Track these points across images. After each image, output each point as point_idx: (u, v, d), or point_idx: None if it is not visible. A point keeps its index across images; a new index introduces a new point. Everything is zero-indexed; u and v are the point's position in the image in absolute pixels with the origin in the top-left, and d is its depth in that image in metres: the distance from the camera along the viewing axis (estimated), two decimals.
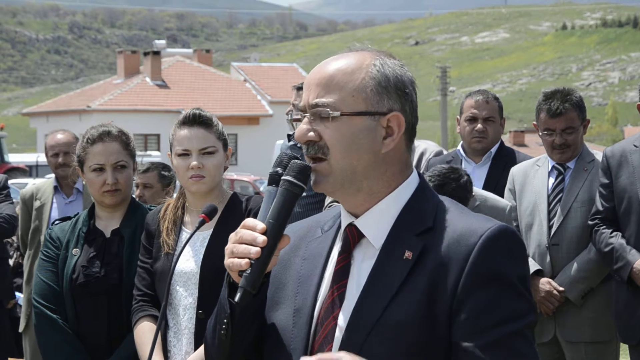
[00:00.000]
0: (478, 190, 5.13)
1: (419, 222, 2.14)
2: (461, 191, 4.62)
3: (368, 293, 2.12)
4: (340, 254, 2.20)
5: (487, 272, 2.06)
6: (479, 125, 5.68)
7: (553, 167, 5.33)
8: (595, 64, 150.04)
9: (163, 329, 3.86)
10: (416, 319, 2.06)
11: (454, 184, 4.63)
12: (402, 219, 2.16)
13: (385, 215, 2.17)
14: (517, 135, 65.30)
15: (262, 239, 2.09)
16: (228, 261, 2.10)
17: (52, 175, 6.85)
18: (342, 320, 2.13)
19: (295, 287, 2.23)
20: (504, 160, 5.72)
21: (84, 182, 6.65)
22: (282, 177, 2.15)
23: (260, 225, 2.11)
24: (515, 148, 6.14)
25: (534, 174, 5.37)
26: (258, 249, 2.08)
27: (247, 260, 2.08)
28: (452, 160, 5.80)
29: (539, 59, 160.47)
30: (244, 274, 2.08)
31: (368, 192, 2.17)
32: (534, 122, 5.38)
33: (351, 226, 2.20)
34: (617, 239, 4.98)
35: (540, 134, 5.30)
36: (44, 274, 4.17)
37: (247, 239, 2.10)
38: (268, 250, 2.09)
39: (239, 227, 2.14)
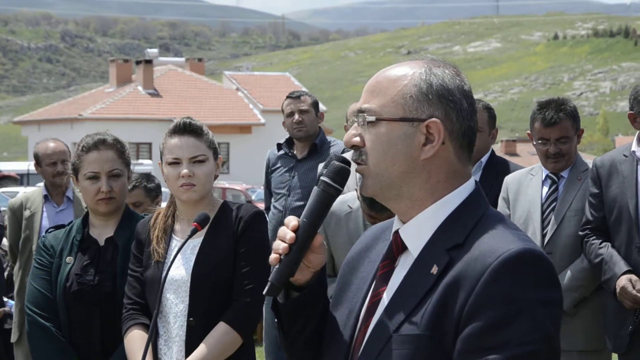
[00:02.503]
0: None
1: (453, 237, 2.12)
2: None
3: (393, 304, 2.14)
4: (383, 260, 2.24)
5: (496, 293, 2.01)
6: None
7: (547, 176, 5.35)
8: (586, 74, 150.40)
9: (154, 337, 3.86)
10: (427, 333, 2.06)
11: None
12: (441, 231, 2.15)
13: (427, 225, 2.17)
14: (508, 144, 65.40)
15: (290, 235, 2.16)
16: (271, 257, 2.19)
17: (42, 184, 6.80)
18: (372, 328, 2.19)
19: (356, 288, 2.29)
20: (495, 170, 5.73)
21: (74, 191, 6.63)
22: (320, 177, 2.21)
23: (293, 222, 2.18)
24: (507, 157, 6.15)
25: (527, 183, 5.39)
26: (286, 245, 2.16)
27: (276, 255, 2.16)
28: None
29: (530, 68, 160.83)
30: (273, 268, 2.16)
31: (410, 199, 2.18)
32: (528, 132, 5.40)
33: (396, 233, 2.21)
34: (607, 250, 5.00)
35: (535, 143, 5.32)
36: (38, 282, 4.17)
37: (281, 236, 2.18)
38: (298, 247, 2.17)
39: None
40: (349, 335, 2.23)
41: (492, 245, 2.05)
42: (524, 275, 2.02)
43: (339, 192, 2.21)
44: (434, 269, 2.09)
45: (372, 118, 2.17)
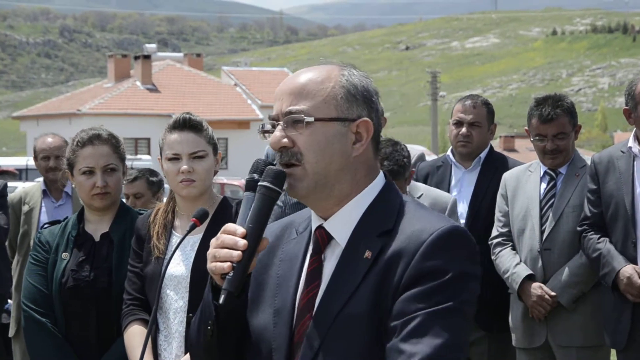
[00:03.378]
0: (421, 185, 5.22)
1: (380, 224, 2.26)
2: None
3: (331, 290, 2.24)
4: (311, 256, 2.31)
5: (431, 265, 2.16)
6: (464, 130, 5.67)
7: (545, 172, 5.34)
8: (585, 70, 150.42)
9: (153, 332, 3.86)
10: (366, 313, 2.18)
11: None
12: (364, 220, 2.28)
13: (351, 216, 2.29)
14: (507, 140, 65.39)
15: (242, 242, 2.19)
16: (211, 265, 2.22)
17: (41, 179, 6.81)
18: (314, 316, 2.25)
19: (274, 288, 2.34)
20: (494, 166, 5.72)
21: (73, 186, 6.63)
22: (259, 183, 2.26)
23: (241, 229, 2.21)
24: (505, 153, 6.14)
25: (526, 179, 5.38)
26: (239, 252, 2.18)
27: (229, 263, 2.18)
28: (442, 165, 5.81)
29: (529, 64, 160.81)
30: (227, 277, 2.17)
31: (338, 196, 2.29)
32: (526, 128, 5.40)
33: (320, 228, 2.31)
34: (605, 245, 5.01)
35: (532, 139, 5.32)
36: (33, 278, 4.16)
37: (228, 243, 2.20)
38: (249, 253, 2.20)
39: (220, 232, 2.23)
40: (286, 331, 2.27)
41: (423, 225, 2.22)
42: (456, 249, 2.19)
43: (279, 195, 2.26)
44: (368, 254, 2.22)
45: (310, 119, 2.25)
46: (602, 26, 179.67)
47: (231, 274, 2.17)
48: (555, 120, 5.20)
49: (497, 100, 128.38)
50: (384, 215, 2.27)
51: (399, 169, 4.60)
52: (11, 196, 6.78)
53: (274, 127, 2.31)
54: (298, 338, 2.25)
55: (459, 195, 5.66)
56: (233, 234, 2.20)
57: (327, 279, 2.26)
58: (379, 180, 2.34)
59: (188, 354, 3.73)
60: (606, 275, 4.98)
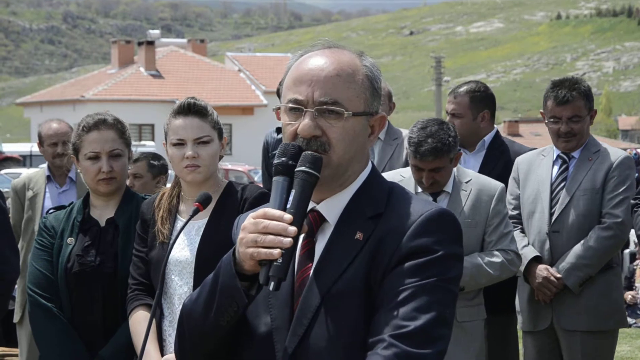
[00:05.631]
0: (471, 171, 5.19)
1: (370, 207, 2.31)
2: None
3: (320, 268, 2.27)
4: (304, 238, 2.32)
5: (421, 243, 2.22)
6: (449, 119, 5.75)
7: (558, 156, 5.32)
8: (589, 54, 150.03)
9: (158, 317, 3.86)
10: (357, 291, 2.22)
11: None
12: (353, 203, 2.32)
13: (343, 199, 2.33)
14: (511, 125, 65.23)
15: (293, 229, 2.16)
16: (252, 250, 2.16)
17: (45, 165, 6.80)
18: (304, 292, 2.28)
19: None
20: (499, 150, 5.74)
21: (77, 171, 6.63)
22: (298, 169, 2.23)
23: (287, 216, 2.17)
24: (509, 138, 6.14)
25: (538, 162, 5.37)
26: (290, 239, 2.15)
27: (278, 250, 2.14)
28: None
29: (533, 48, 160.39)
30: (275, 263, 2.14)
31: (343, 184, 2.34)
32: (541, 110, 5.38)
33: (313, 211, 2.33)
34: None
35: (547, 121, 5.30)
36: (39, 263, 4.17)
37: (275, 229, 2.16)
38: (295, 240, 2.17)
39: (255, 217, 2.19)
40: (287, 312, 2.28)
41: (414, 208, 2.29)
42: (445, 230, 2.26)
43: (317, 180, 2.24)
44: (359, 235, 2.27)
45: (349, 114, 2.28)
46: (606, 10, 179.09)
47: (280, 260, 2.14)
48: (570, 103, 5.19)
49: (501, 85, 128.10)
50: (375, 198, 2.32)
51: (443, 146, 4.67)
52: (15, 182, 6.79)
53: (296, 110, 2.30)
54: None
55: None
56: (279, 220, 2.16)
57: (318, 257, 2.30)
58: (368, 167, 2.39)
59: None
60: None
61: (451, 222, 2.28)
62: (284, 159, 2.25)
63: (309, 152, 2.25)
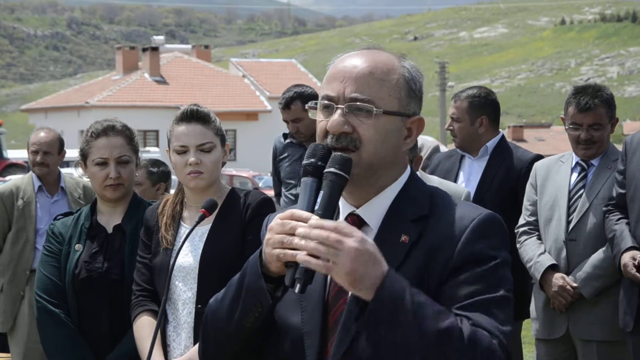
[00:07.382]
0: (434, 177, 5.26)
1: (413, 209, 2.29)
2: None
3: None
4: None
5: (476, 251, 2.21)
6: (449, 122, 5.81)
7: (577, 163, 5.27)
8: (593, 59, 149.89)
9: (162, 323, 3.87)
10: None
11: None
12: (395, 206, 2.30)
13: (384, 203, 2.31)
14: (515, 130, 65.18)
15: None
16: (278, 251, 2.10)
17: (31, 172, 6.71)
18: (349, 301, 2.22)
19: None
20: (502, 156, 5.74)
21: (64, 182, 6.61)
22: (327, 170, 2.20)
23: (315, 217, 2.11)
24: (514, 143, 6.15)
25: (557, 169, 5.32)
26: None
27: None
28: (454, 155, 5.88)
29: (537, 54, 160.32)
30: (301, 265, 2.07)
31: (379, 187, 2.31)
32: (562, 116, 5.35)
33: (352, 215, 2.30)
34: (620, 226, 4.92)
35: (567, 127, 5.24)
36: (47, 269, 4.19)
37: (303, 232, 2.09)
38: None
39: (283, 218, 2.13)
40: (318, 318, 2.25)
41: (462, 212, 2.27)
42: (498, 236, 2.26)
43: (346, 182, 2.21)
44: (404, 238, 2.25)
45: (380, 111, 2.25)
46: (610, 15, 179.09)
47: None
48: (592, 110, 5.13)
49: (505, 91, 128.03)
50: (415, 201, 2.30)
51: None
52: (1, 189, 6.64)
53: (327, 107, 2.28)
54: (332, 323, 2.24)
55: (467, 183, 5.70)
56: (306, 222, 2.09)
57: None
58: (407, 171, 2.37)
59: (197, 345, 3.74)
60: (615, 257, 4.91)
61: (502, 227, 2.28)
62: (313, 159, 2.22)
63: (338, 153, 2.22)
